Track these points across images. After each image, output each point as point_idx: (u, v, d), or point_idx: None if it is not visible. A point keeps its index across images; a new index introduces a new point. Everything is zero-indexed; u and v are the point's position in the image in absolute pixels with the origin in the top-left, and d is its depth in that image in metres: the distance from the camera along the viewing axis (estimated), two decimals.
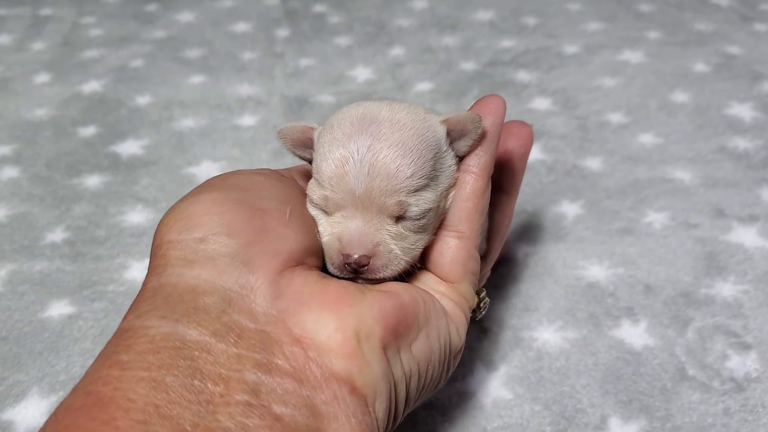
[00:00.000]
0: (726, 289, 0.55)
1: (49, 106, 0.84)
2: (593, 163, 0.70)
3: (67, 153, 0.76)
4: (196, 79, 0.89)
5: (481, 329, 0.53)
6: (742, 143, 0.72)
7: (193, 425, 0.26)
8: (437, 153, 0.37)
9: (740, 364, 0.49)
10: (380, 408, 0.32)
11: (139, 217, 0.65)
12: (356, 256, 0.36)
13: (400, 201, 0.36)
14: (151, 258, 0.34)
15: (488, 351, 0.51)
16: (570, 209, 0.64)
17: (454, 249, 0.39)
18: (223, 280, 0.31)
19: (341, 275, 0.37)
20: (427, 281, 0.40)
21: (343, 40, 0.97)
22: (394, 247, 0.37)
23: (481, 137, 0.39)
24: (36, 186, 0.71)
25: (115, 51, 0.97)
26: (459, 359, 0.40)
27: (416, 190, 0.37)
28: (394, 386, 0.34)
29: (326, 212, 0.38)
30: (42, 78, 0.91)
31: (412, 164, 0.36)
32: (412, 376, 0.35)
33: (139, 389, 0.27)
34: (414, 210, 0.37)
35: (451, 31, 0.98)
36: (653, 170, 0.68)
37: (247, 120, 0.80)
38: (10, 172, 0.73)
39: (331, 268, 0.37)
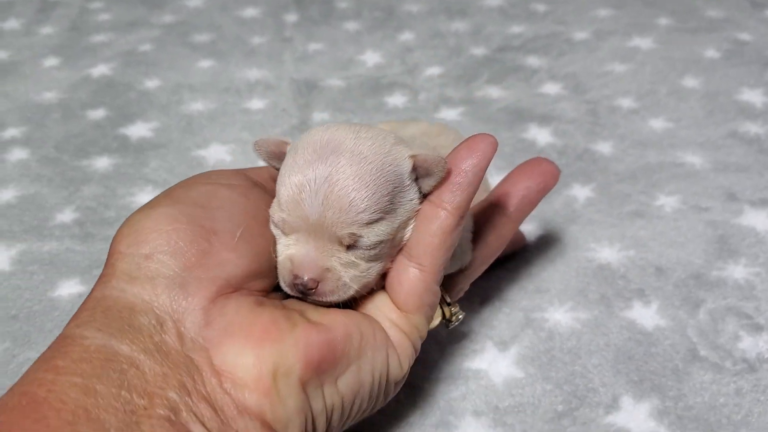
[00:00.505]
0: (737, 271, 0.55)
1: (57, 89, 0.84)
2: (604, 147, 0.69)
3: (76, 135, 0.76)
4: (205, 64, 0.89)
5: (492, 310, 0.53)
6: (753, 128, 0.71)
7: (117, 429, 0.28)
8: (396, 187, 0.37)
9: (752, 344, 0.49)
10: (298, 423, 0.34)
11: (148, 199, 0.65)
12: (305, 278, 0.37)
13: (351, 233, 0.37)
14: (105, 264, 0.35)
15: (499, 331, 0.51)
16: (581, 192, 0.64)
17: (413, 281, 0.39)
18: (159, 302, 0.33)
19: (291, 294, 0.38)
20: (381, 306, 0.40)
21: (351, 25, 0.97)
22: (344, 274, 0.38)
23: (447, 176, 0.38)
24: (45, 167, 0.71)
25: (124, 35, 0.97)
26: (401, 386, 0.41)
27: (369, 223, 0.37)
28: (312, 419, 0.35)
29: (284, 233, 0.38)
30: (50, 62, 0.91)
31: (366, 199, 0.36)
32: (335, 410, 0.36)
33: (71, 393, 0.29)
34: (365, 241, 0.37)
35: (461, 17, 0.97)
36: (664, 155, 0.68)
37: (257, 103, 0.80)
38: (20, 153, 0.73)
39: (283, 286, 0.38)
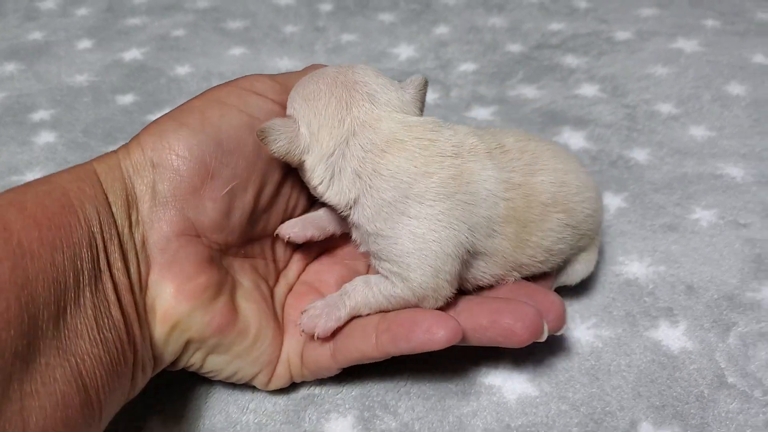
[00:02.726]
0: None
1: (89, 72, 0.84)
2: (640, 155, 0.67)
3: (105, 120, 0.75)
4: (237, 51, 0.88)
5: None
6: None
7: (101, 259, 0.37)
8: None
9: None
10: (159, 365, 0.41)
11: None
12: None
13: None
14: (135, 136, 0.42)
15: None
16: (613, 202, 0.61)
17: (323, 358, 0.44)
18: (144, 207, 0.40)
19: None
20: (295, 344, 0.45)
21: (386, 17, 0.95)
22: None
23: (406, 328, 0.42)
24: (72, 152, 0.70)
25: (158, 19, 0.96)
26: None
27: None
28: (176, 362, 0.42)
29: None
30: (84, 44, 0.91)
31: None
32: (192, 367, 0.43)
33: (92, 219, 0.37)
34: None
35: (499, 11, 0.95)
36: (703, 165, 0.65)
37: None
38: (48, 136, 0.73)
39: None
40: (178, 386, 0.46)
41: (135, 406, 0.45)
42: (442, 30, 0.91)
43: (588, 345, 0.49)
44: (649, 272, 0.54)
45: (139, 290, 0.39)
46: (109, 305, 0.36)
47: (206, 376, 0.44)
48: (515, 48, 0.86)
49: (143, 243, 0.40)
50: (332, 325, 0.43)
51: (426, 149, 0.42)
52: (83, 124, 0.75)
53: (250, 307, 0.44)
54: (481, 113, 0.73)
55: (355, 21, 0.94)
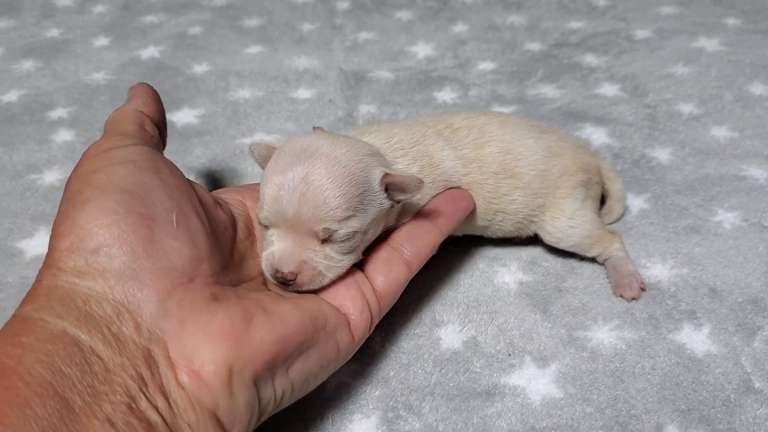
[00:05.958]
0: None
1: (106, 70, 0.84)
2: (662, 155, 0.66)
3: None
4: (254, 49, 0.88)
5: (533, 324, 0.50)
6: None
7: (80, 409, 0.30)
8: (366, 190, 0.42)
9: None
10: (238, 429, 0.36)
11: None
12: (285, 271, 0.42)
13: (326, 227, 0.41)
14: (48, 257, 0.36)
15: (539, 347, 0.49)
16: (635, 203, 0.61)
17: (400, 275, 0.46)
18: (114, 294, 0.34)
19: (275, 283, 0.43)
20: (362, 281, 0.45)
21: (404, 14, 0.94)
22: (319, 264, 0.42)
23: (449, 205, 0.49)
24: None
25: (175, 17, 0.96)
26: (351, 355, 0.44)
27: (342, 220, 0.42)
28: (258, 410, 0.37)
29: (267, 228, 0.43)
30: (101, 41, 0.91)
31: (339, 197, 0.41)
32: (285, 395, 0.39)
33: (38, 368, 0.30)
34: (339, 234, 0.42)
35: (517, 9, 0.94)
36: (726, 166, 0.65)
37: (303, 93, 0.78)
38: (66, 135, 0.73)
39: (267, 276, 0.43)
40: None
41: None
42: (460, 28, 0.90)
43: (611, 347, 0.49)
44: (671, 275, 0.54)
45: (159, 383, 0.33)
46: None
47: (306, 389, 0.41)
48: (534, 46, 0.85)
49: (137, 328, 0.34)
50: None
51: (407, 150, 0.49)
52: (101, 122, 0.73)
53: (284, 307, 0.40)
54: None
55: (373, 19, 0.94)
